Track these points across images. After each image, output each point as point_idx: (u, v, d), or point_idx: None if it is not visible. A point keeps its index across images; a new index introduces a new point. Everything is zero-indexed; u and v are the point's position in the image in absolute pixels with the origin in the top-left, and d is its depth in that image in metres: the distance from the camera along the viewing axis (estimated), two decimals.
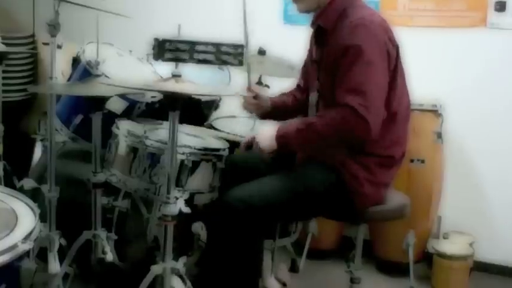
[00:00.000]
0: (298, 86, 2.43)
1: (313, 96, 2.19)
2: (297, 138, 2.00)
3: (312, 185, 2.04)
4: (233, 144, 2.51)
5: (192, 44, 1.74)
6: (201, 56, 1.75)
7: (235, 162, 2.31)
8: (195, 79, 1.95)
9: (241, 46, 1.80)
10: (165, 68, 1.94)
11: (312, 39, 2.25)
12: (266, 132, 2.07)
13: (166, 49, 1.71)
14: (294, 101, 2.39)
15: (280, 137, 2.03)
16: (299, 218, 2.61)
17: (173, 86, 1.79)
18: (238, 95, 2.41)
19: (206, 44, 1.76)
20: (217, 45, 1.77)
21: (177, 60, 1.75)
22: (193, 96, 2.40)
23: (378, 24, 1.99)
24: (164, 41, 1.71)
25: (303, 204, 2.06)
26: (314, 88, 2.18)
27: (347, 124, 1.90)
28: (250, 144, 2.16)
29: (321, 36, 2.13)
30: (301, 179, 2.07)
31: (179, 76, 1.81)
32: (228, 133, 2.58)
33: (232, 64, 1.80)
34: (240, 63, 1.81)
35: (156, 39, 1.71)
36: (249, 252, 2.02)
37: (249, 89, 2.38)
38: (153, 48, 1.71)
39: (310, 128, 1.98)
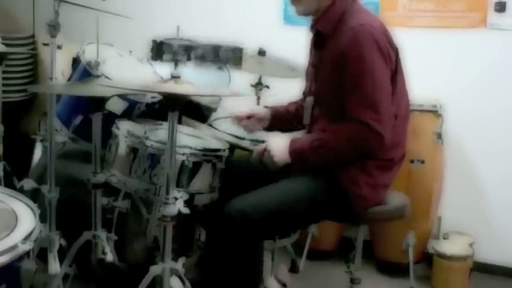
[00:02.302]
0: (303, 93, 2.38)
1: (309, 99, 2.20)
2: (312, 154, 2.02)
3: (312, 194, 2.04)
4: (233, 145, 2.51)
5: (190, 45, 1.74)
6: (199, 58, 1.76)
7: (234, 166, 2.31)
8: (195, 80, 1.95)
9: (240, 49, 1.80)
10: (165, 69, 1.94)
11: (311, 43, 2.25)
12: (279, 145, 2.07)
13: (164, 51, 1.71)
14: (300, 110, 2.34)
15: (295, 153, 2.04)
16: (299, 227, 2.61)
17: (172, 87, 1.79)
18: (231, 120, 2.42)
19: (204, 45, 1.76)
20: (215, 47, 1.77)
21: (175, 61, 1.75)
22: (192, 97, 2.39)
23: (378, 30, 1.99)
24: (162, 43, 1.71)
25: (303, 213, 2.06)
26: (311, 91, 2.19)
27: (362, 140, 1.94)
28: (262, 155, 2.13)
29: (319, 40, 2.13)
30: (300, 187, 2.06)
31: (178, 77, 1.82)
32: (228, 134, 2.58)
33: (230, 65, 1.80)
34: (239, 65, 1.81)
35: (154, 41, 1.71)
36: (249, 258, 2.01)
37: (235, 118, 2.38)
38: (151, 50, 1.72)
39: (325, 144, 2.00)
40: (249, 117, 2.36)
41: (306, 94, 2.31)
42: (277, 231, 2.31)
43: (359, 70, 1.94)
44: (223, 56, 1.78)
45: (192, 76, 1.91)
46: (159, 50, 1.71)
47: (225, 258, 1.99)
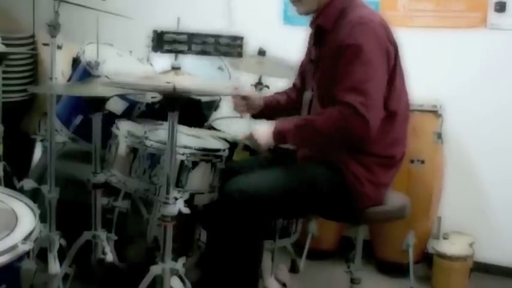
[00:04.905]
0: (294, 85, 2.43)
1: (307, 95, 2.20)
2: (295, 134, 2.01)
3: (314, 179, 2.04)
4: (233, 145, 2.51)
5: (191, 35, 1.74)
6: (200, 48, 1.75)
7: (234, 168, 2.31)
8: (195, 73, 1.95)
9: (241, 38, 1.80)
10: (165, 63, 1.94)
11: (310, 38, 2.25)
12: (263, 129, 2.08)
13: (165, 41, 1.71)
14: (288, 100, 2.39)
15: (278, 133, 2.04)
16: (298, 214, 2.57)
17: (172, 79, 1.78)
18: (228, 95, 2.40)
19: (205, 35, 1.76)
20: (216, 37, 1.77)
21: (175, 51, 1.75)
22: (193, 94, 2.39)
23: (377, 23, 2.00)
24: (163, 33, 1.71)
25: (304, 198, 2.06)
26: (309, 87, 2.19)
27: (347, 122, 1.91)
28: (248, 139, 2.14)
29: (319, 36, 2.14)
30: (303, 173, 2.07)
31: (178, 68, 1.81)
32: (228, 134, 2.58)
33: (231, 55, 1.80)
34: (239, 55, 1.81)
35: (154, 31, 1.71)
36: (249, 251, 2.01)
37: (236, 89, 2.35)
38: (152, 40, 1.71)
39: (309, 124, 1.99)
40: (244, 98, 2.35)
41: (297, 87, 2.34)
42: (276, 213, 2.28)
43: (353, 58, 1.93)
44: (224, 46, 1.77)
45: (192, 69, 1.91)
46: (159, 40, 1.70)
47: (225, 257, 1.99)
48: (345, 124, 1.91)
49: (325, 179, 2.05)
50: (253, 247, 2.03)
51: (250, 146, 2.17)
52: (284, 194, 2.02)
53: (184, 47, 1.73)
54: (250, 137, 2.10)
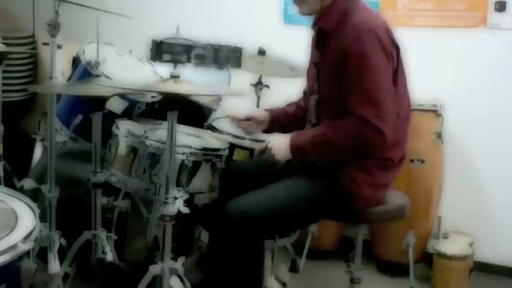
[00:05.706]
0: (304, 93, 2.39)
1: (313, 98, 2.19)
2: (314, 150, 2.01)
3: (312, 194, 2.04)
4: (233, 145, 2.51)
5: (190, 45, 1.74)
6: (199, 58, 1.75)
7: (234, 169, 2.31)
8: (195, 79, 1.95)
9: (240, 49, 1.80)
10: (165, 68, 1.94)
11: (312, 41, 2.25)
12: (280, 142, 2.07)
13: (164, 51, 1.71)
14: (298, 109, 2.36)
15: (296, 149, 2.03)
16: (299, 226, 2.61)
17: (171, 87, 1.79)
18: (228, 119, 2.40)
19: (204, 45, 1.76)
20: (215, 47, 1.76)
21: (174, 61, 1.75)
22: (191, 97, 2.39)
23: (380, 27, 1.99)
24: (162, 43, 1.71)
25: (303, 213, 2.06)
26: (314, 90, 2.18)
27: (363, 136, 1.93)
28: (263, 152, 2.13)
29: (321, 39, 2.13)
30: (300, 187, 2.06)
31: (177, 77, 1.81)
32: (227, 133, 2.58)
33: (230, 66, 1.80)
34: (238, 65, 1.81)
35: (153, 41, 1.71)
36: (249, 259, 2.01)
37: (233, 119, 2.37)
38: (151, 50, 1.71)
39: (327, 140, 1.99)
40: (247, 119, 2.35)
41: (307, 93, 2.31)
42: (277, 231, 2.31)
43: (361, 67, 1.93)
44: (223, 56, 1.77)
45: (192, 75, 1.91)
46: (158, 49, 1.71)
47: (226, 258, 1.99)
48: (360, 138, 1.94)
49: (324, 188, 2.04)
50: (254, 255, 2.04)
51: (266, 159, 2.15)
52: (284, 213, 2.01)
53: (183, 57, 1.73)
54: (268, 151, 2.09)
